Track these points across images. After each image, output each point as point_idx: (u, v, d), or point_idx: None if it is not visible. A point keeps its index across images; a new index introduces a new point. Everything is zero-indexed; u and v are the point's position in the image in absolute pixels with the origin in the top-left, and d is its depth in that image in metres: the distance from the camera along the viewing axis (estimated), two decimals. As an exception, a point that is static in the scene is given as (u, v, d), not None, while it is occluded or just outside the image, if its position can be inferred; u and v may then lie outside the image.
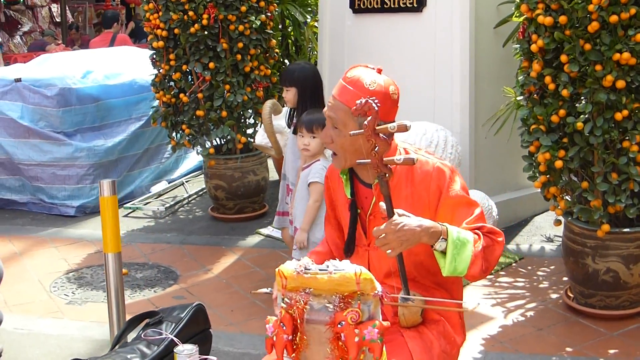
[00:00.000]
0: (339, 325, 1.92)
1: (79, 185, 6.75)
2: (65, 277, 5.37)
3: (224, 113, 5.93)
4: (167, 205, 6.85)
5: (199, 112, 5.95)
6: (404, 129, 2.42)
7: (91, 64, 7.15)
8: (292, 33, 7.30)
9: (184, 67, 5.92)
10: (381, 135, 2.41)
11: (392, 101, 2.66)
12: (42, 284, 5.25)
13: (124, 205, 6.87)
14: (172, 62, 5.94)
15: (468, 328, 4.15)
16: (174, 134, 6.24)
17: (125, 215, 6.75)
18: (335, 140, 2.65)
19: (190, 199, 7.16)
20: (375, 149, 2.40)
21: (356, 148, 2.60)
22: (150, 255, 5.75)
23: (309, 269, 1.95)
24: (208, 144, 6.21)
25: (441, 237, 2.46)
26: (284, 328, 1.93)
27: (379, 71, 2.67)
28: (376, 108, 2.37)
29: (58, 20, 18.80)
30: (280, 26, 7.22)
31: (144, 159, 7.36)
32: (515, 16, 4.92)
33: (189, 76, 6.03)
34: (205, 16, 5.71)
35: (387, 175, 2.43)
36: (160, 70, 6.07)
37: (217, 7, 5.72)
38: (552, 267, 5.08)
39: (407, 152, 2.72)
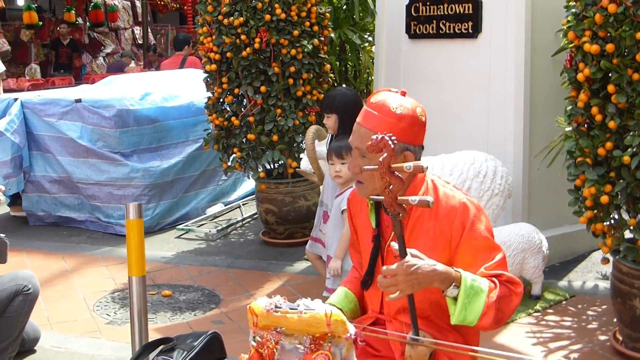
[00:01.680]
0: (305, 369, 1.82)
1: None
2: (110, 297, 5.40)
3: (275, 137, 5.90)
4: (220, 227, 6.84)
5: (250, 136, 5.94)
6: (420, 170, 2.28)
7: (151, 86, 7.24)
8: (350, 58, 7.25)
9: (236, 90, 5.93)
10: (396, 173, 2.29)
11: (420, 123, 2.53)
12: (86, 303, 5.29)
13: (177, 227, 6.91)
14: (224, 85, 5.95)
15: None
16: (226, 156, 6.24)
17: (178, 237, 6.78)
18: (364, 169, 2.52)
19: (243, 222, 7.14)
20: (390, 187, 2.29)
21: None
22: (197, 278, 5.74)
23: (280, 307, 1.87)
24: (259, 168, 6.18)
25: (453, 284, 2.34)
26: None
27: (403, 94, 2.54)
28: (392, 145, 2.24)
29: (140, 42, 19.27)
30: (338, 50, 7.17)
31: (201, 181, 7.39)
32: (564, 44, 4.74)
33: (242, 99, 6.03)
34: (257, 40, 5.71)
35: (400, 215, 2.31)
36: (214, 93, 6.09)
37: (270, 31, 5.71)
38: (603, 307, 4.84)
39: (435, 185, 2.59)
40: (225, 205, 7.53)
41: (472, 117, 5.63)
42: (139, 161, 6.86)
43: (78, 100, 6.82)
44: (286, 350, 1.88)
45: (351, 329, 1.89)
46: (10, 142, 6.84)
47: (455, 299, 2.35)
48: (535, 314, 4.76)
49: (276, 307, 1.88)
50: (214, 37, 5.88)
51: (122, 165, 6.78)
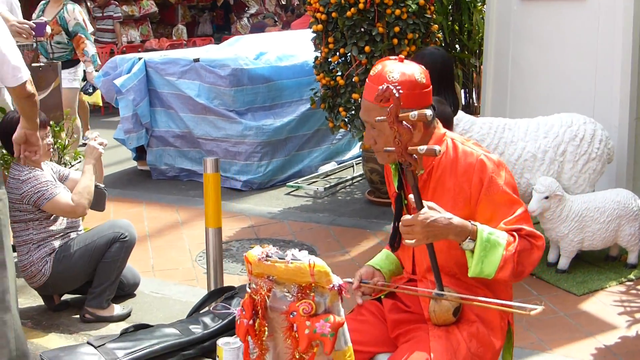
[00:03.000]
0: (291, 316, 1.90)
1: (247, 161, 7.05)
2: (213, 248, 5.64)
3: (378, 97, 5.91)
4: (328, 185, 6.97)
5: (355, 95, 5.99)
6: (424, 117, 2.33)
7: (266, 46, 7.41)
8: (463, 17, 7.13)
9: (342, 50, 5.98)
10: (404, 123, 2.33)
11: (421, 85, 2.55)
12: (190, 253, 5.57)
13: (287, 184, 7.09)
14: (330, 45, 6.01)
15: (584, 334, 3.93)
16: (332, 115, 6.33)
17: (287, 194, 6.97)
18: (378, 140, 2.58)
19: (352, 181, 7.24)
20: (399, 137, 2.34)
21: None
22: (298, 233, 5.90)
23: (270, 257, 1.95)
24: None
25: (469, 237, 2.38)
26: (244, 312, 1.95)
27: (401, 60, 2.58)
28: (397, 94, 2.30)
29: (284, 3, 19.58)
30: (451, 10, 7.06)
31: (314, 140, 7.53)
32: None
33: (348, 59, 6.08)
34: (362, 0, 5.72)
35: (412, 165, 2.36)
36: (321, 53, 6.17)
37: (374, -9, 5.72)
38: None
39: (455, 143, 2.62)
40: (338, 164, 7.65)
41: (580, 80, 5.46)
42: (253, 119, 7.07)
43: (196, 60, 7.10)
44: (277, 298, 1.97)
45: (335, 280, 1.95)
46: (132, 99, 7.22)
47: (472, 251, 2.39)
48: (627, 283, 4.61)
49: (267, 256, 1.96)
50: (320, -3, 5.95)
51: (236, 123, 7.02)
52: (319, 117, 7.44)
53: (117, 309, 4.52)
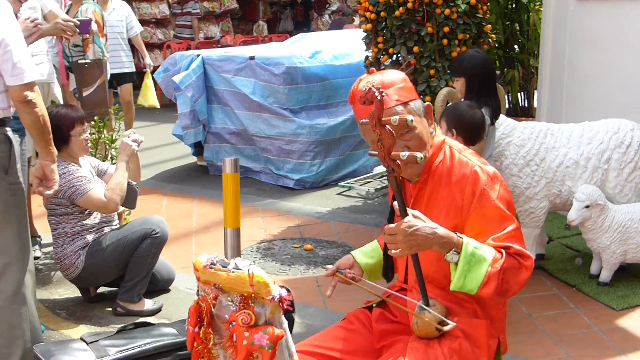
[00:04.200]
0: (230, 325, 1.87)
1: (300, 160, 7.05)
2: (256, 247, 5.67)
3: (428, 98, 5.82)
4: (380, 187, 6.90)
5: (404, 96, 5.90)
6: (404, 123, 2.26)
7: (322, 45, 7.39)
8: (520, 18, 6.94)
9: (391, 50, 5.90)
10: (387, 127, 2.28)
11: (400, 89, 2.46)
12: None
13: (339, 184, 7.06)
14: (380, 45, 5.94)
15: (616, 352, 3.79)
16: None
17: (339, 194, 6.94)
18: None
19: (406, 183, 7.14)
20: (381, 141, 2.28)
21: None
22: (342, 235, 5.86)
23: (214, 265, 1.93)
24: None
25: (454, 250, 2.30)
26: (189, 319, 1.94)
27: (372, 72, 2.51)
28: (379, 97, 2.25)
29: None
30: (509, 10, 6.88)
31: (370, 140, 7.45)
32: None
33: (397, 59, 5.99)
34: (410, -1, 5.64)
35: (394, 170, 2.30)
36: (371, 53, 6.11)
37: (423, -10, 5.62)
38: None
39: (452, 152, 2.55)
40: (394, 165, 7.55)
41: (637, 85, 5.22)
42: (307, 118, 7.06)
43: (252, 58, 7.13)
44: (222, 306, 1.95)
45: (275, 291, 1.91)
46: (190, 95, 7.31)
47: (456, 264, 2.31)
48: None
49: (211, 264, 1.94)
50: (370, -4, 5.89)
51: (289, 122, 7.02)
52: (376, 117, 7.38)
53: (148, 303, 4.59)
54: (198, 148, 7.91)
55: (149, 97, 9.03)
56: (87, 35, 5.00)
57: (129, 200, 4.53)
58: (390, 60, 5.98)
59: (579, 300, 4.49)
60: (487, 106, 4.25)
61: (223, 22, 15.74)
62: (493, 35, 6.10)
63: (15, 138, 3.51)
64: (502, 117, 4.72)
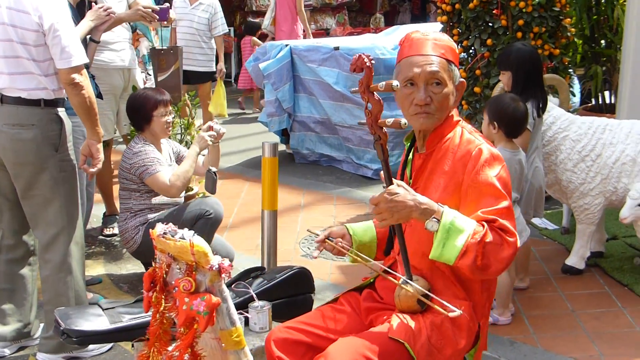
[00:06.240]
0: (174, 290, 2.00)
1: (379, 150, 7.09)
2: (321, 233, 5.76)
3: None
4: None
5: (476, 89, 5.87)
6: (390, 87, 2.34)
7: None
8: (604, 12, 6.71)
9: (465, 42, 5.88)
10: (375, 95, 2.37)
11: (453, 50, 2.64)
12: (297, 235, 5.74)
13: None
14: (454, 37, 5.92)
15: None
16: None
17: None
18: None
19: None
20: (369, 108, 2.39)
21: None
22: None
23: (165, 234, 2.06)
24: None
25: (434, 217, 2.34)
26: (142, 284, 2.09)
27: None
28: (368, 63, 2.34)
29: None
30: (594, 3, 6.67)
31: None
32: None
33: (472, 52, 5.96)
34: (485, -9, 5.60)
35: (380, 138, 2.39)
36: (447, 45, 6.09)
37: (497, -17, 5.56)
38: None
39: (463, 132, 2.61)
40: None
41: None
42: (387, 108, 6.98)
43: (336, 48, 7.24)
44: (173, 273, 2.08)
45: (214, 261, 2.02)
46: (272, 83, 7.50)
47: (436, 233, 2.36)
48: None
49: (164, 233, 2.08)
50: (445, -13, 5.88)
51: (370, 112, 7.07)
52: (457, 109, 7.34)
53: (204, 281, 4.78)
54: (286, 136, 8.09)
55: (218, 105, 8.50)
56: (166, 22, 5.24)
57: (209, 186, 4.74)
58: (465, 52, 5.96)
59: (628, 299, 4.38)
60: (533, 99, 4.21)
61: (339, 15, 15.92)
62: (572, 29, 5.96)
63: (66, 118, 3.76)
64: (559, 110, 4.65)
